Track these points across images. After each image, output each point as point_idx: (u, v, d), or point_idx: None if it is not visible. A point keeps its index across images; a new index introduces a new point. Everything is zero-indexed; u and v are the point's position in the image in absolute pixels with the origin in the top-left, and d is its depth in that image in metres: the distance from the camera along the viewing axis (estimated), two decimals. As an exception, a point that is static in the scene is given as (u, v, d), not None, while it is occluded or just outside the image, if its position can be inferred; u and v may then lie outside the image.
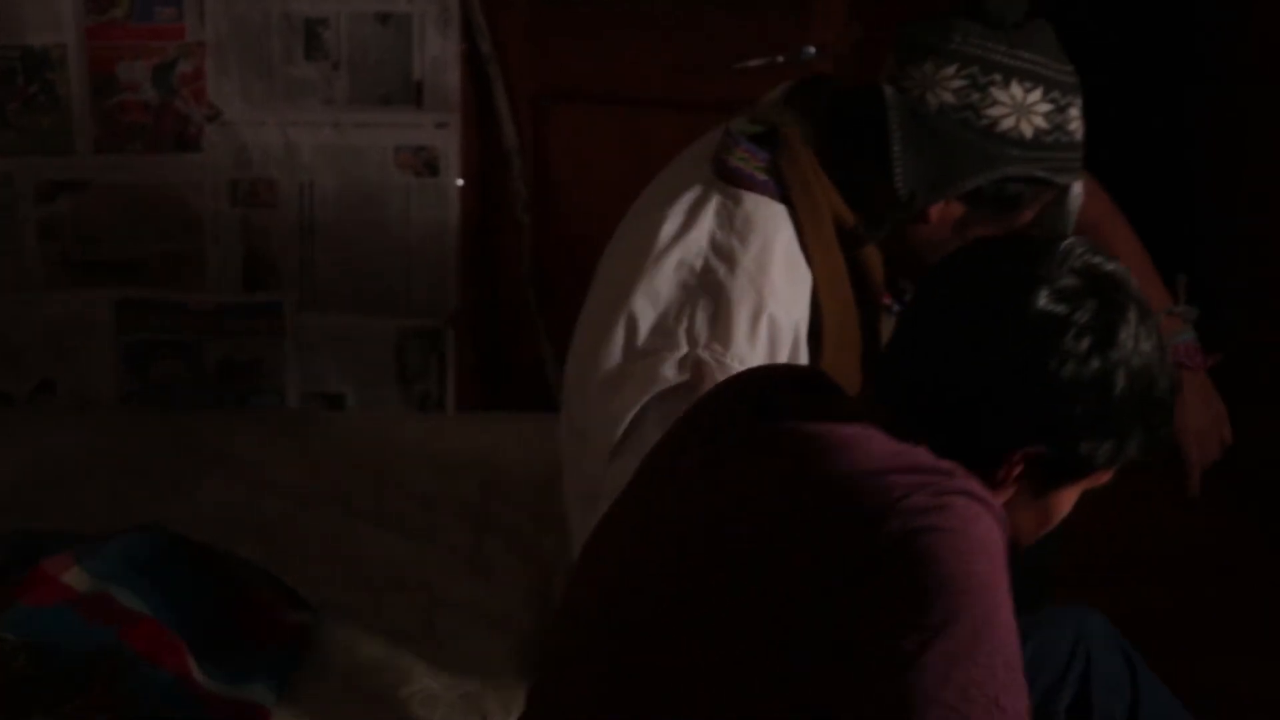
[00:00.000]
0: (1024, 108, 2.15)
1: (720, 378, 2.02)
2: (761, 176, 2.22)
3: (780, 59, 3.35)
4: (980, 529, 1.59)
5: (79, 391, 3.53)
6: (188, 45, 3.44)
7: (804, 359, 2.20)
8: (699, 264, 2.19)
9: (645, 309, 2.19)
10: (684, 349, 2.15)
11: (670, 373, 2.14)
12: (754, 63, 3.35)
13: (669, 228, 2.22)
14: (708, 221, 2.21)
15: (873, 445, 1.65)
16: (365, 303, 3.52)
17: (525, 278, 3.53)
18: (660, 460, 1.86)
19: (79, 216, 3.48)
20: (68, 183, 3.47)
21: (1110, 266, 1.71)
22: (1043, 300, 1.66)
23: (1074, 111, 2.19)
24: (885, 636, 1.53)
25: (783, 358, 2.18)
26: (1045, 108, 2.16)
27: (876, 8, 3.58)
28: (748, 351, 2.14)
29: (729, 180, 2.22)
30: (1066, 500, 1.78)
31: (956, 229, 2.23)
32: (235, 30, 3.43)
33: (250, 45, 3.43)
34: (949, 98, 2.15)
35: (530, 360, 3.55)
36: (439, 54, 3.44)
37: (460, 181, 3.47)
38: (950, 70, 2.15)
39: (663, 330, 2.18)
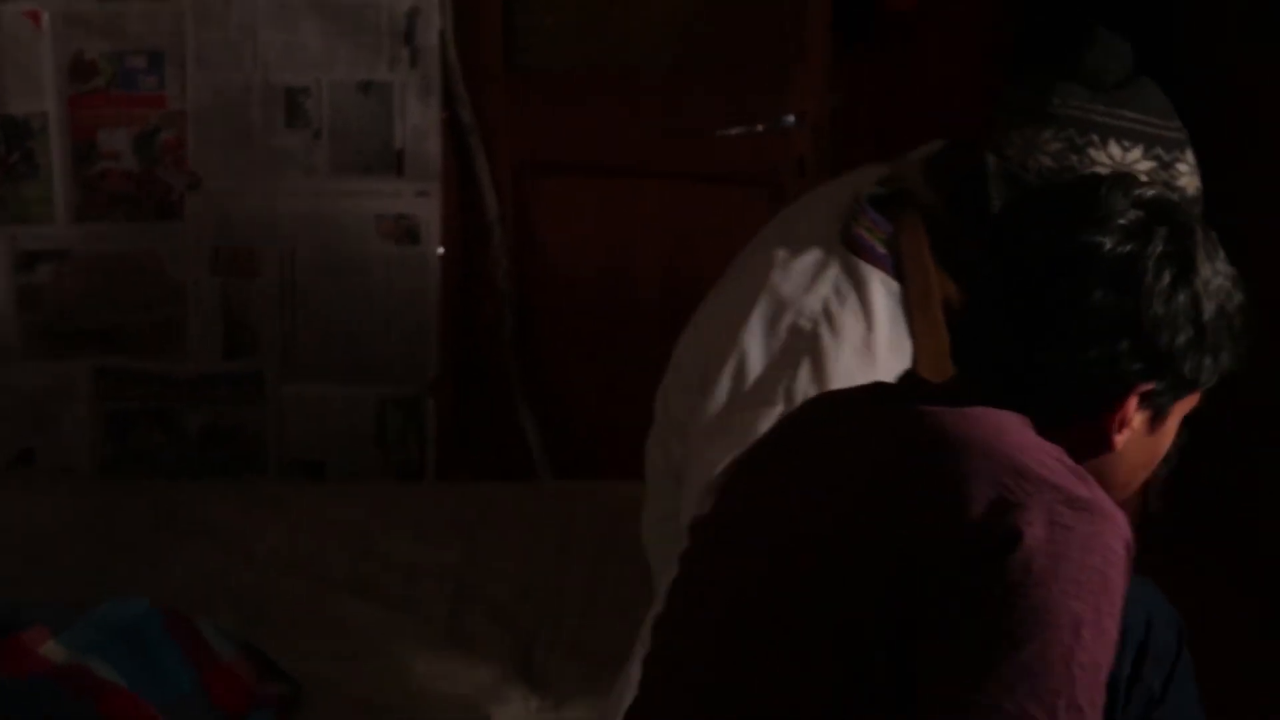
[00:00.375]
0: (1124, 167, 2.15)
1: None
2: (881, 250, 2.25)
3: (760, 128, 3.37)
4: (1095, 558, 1.56)
5: (58, 460, 3.52)
6: (169, 114, 3.45)
7: None
8: (808, 328, 2.22)
9: (754, 362, 2.23)
10: (780, 406, 2.18)
11: (765, 429, 2.15)
12: (733, 131, 3.37)
13: (789, 286, 2.25)
14: (825, 288, 2.24)
15: (1004, 431, 1.63)
16: (346, 371, 3.51)
17: (506, 346, 3.53)
18: (767, 456, 1.86)
19: (59, 285, 3.48)
20: (48, 252, 3.47)
21: (1153, 191, 1.72)
22: (1110, 243, 1.66)
23: (1182, 168, 2.18)
24: (958, 638, 1.52)
25: None
26: (1147, 165, 2.15)
27: (852, 78, 3.61)
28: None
29: (851, 248, 2.26)
30: (1171, 429, 1.77)
31: None
32: (217, 99, 3.44)
33: (232, 114, 3.44)
34: (1047, 161, 2.16)
35: (510, 428, 3.54)
36: (420, 123, 3.45)
37: (441, 250, 3.47)
38: (1048, 134, 2.16)
39: (765, 385, 2.21)
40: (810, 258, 2.27)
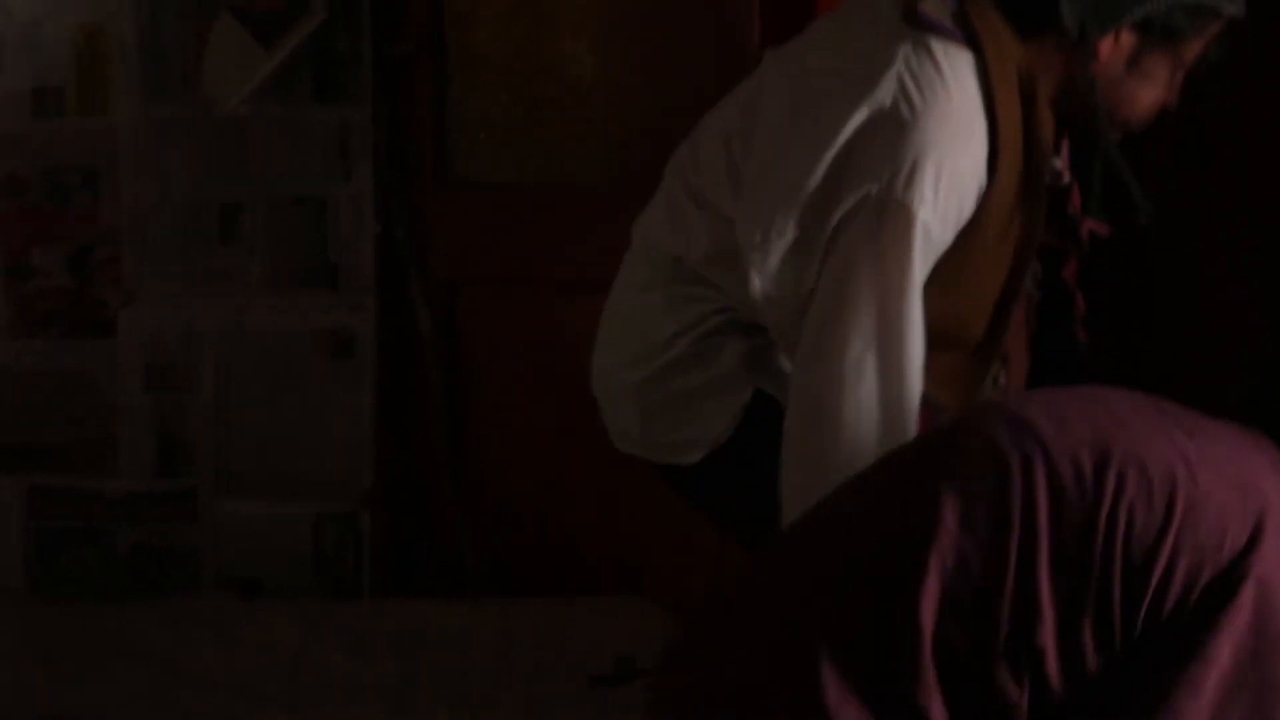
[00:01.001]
0: None
1: (908, 222, 2.06)
2: (949, 23, 2.21)
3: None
4: None
5: (-13, 579, 3.49)
6: (103, 230, 3.46)
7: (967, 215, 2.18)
8: (888, 104, 2.14)
9: (837, 153, 2.15)
10: (868, 189, 2.11)
11: (865, 212, 2.11)
12: (666, 245, 3.39)
13: (855, 86, 2.17)
14: (897, 66, 2.17)
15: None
16: (281, 486, 3.50)
17: (442, 461, 3.53)
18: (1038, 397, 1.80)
19: (-9, 403, 3.47)
20: (-20, 369, 3.47)
21: None
22: None
23: None
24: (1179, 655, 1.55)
25: (967, 210, 2.16)
26: None
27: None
28: (931, 197, 2.12)
29: (918, 26, 2.21)
30: None
31: (1129, 64, 2.24)
32: (151, 215, 3.45)
33: (166, 229, 3.45)
34: None
35: (448, 544, 3.53)
36: (354, 237, 3.47)
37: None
38: None
39: (854, 170, 2.14)
40: (877, 46, 2.20)
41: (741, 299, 2.25)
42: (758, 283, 2.20)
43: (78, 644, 3.09)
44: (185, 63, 3.45)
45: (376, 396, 3.49)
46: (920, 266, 2.13)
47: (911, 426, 2.09)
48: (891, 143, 2.12)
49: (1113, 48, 2.22)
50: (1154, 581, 1.57)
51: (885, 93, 2.15)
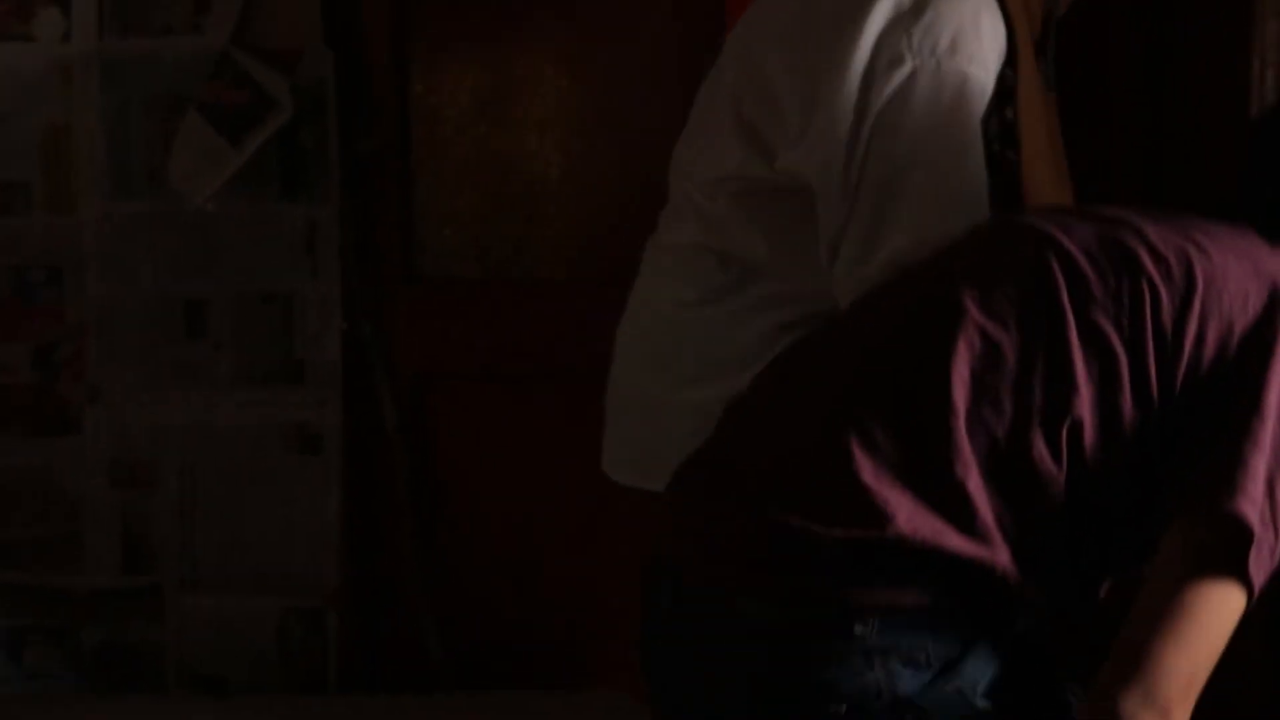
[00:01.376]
0: None
1: (962, 82, 2.02)
2: None
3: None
4: None
5: (-53, 682, 3.46)
6: (69, 326, 3.46)
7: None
8: (908, 6, 2.08)
9: (869, 52, 2.07)
10: (910, 66, 2.05)
11: (909, 89, 2.04)
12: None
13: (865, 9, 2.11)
14: None
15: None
16: (246, 583, 3.49)
17: (409, 555, 3.51)
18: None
19: (-46, 502, 3.45)
20: (-58, 469, 3.45)
21: None
22: None
23: None
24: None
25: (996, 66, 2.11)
26: None
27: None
28: (978, 50, 2.07)
29: None
30: None
31: None
32: (117, 311, 3.45)
33: (132, 326, 3.45)
34: None
35: (414, 638, 3.51)
36: (321, 333, 3.47)
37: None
38: None
39: (887, 59, 2.07)
40: None
41: (803, 277, 2.15)
42: (818, 189, 2.09)
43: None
44: (152, 159, 3.46)
45: (343, 492, 3.49)
46: (978, 124, 2.07)
47: None
48: (921, 23, 2.07)
49: None
50: (1187, 349, 1.63)
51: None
